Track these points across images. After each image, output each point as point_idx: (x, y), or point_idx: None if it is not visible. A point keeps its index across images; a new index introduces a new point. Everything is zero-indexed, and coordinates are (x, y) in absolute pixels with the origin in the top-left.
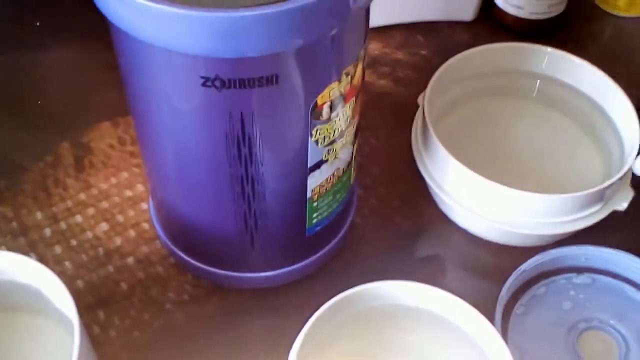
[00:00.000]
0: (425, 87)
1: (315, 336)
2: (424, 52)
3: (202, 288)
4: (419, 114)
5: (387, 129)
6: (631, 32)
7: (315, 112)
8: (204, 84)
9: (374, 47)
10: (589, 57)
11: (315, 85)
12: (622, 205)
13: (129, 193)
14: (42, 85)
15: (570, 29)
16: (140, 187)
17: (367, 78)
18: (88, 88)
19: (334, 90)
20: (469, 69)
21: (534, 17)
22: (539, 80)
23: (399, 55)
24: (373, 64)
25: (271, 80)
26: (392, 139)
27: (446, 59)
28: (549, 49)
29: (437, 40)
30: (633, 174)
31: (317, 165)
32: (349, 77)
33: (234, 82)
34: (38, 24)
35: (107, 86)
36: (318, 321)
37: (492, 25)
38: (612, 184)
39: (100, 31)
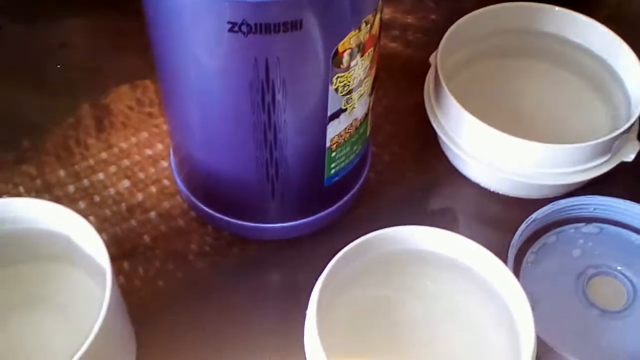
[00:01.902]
0: (434, 49)
1: (335, 279)
2: (433, 16)
3: (222, 240)
4: (431, 72)
5: (398, 89)
6: None
7: (336, 59)
8: (230, 30)
9: (385, 12)
10: (597, 18)
11: (336, 33)
12: (630, 157)
13: (149, 152)
14: (60, 51)
15: None
16: (159, 146)
17: None
18: (105, 54)
19: (354, 38)
20: (479, 28)
21: None
22: (547, 39)
23: (409, 19)
24: (384, 27)
25: (295, 25)
26: (404, 99)
27: None
28: (557, 8)
29: (447, 5)
30: None
31: (337, 114)
32: (369, 26)
33: (260, 27)
34: None
35: (123, 51)
36: (338, 264)
37: None
38: (619, 136)
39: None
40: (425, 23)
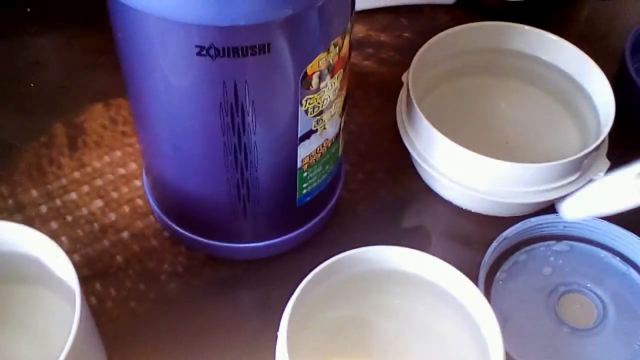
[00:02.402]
0: (408, 67)
1: (305, 301)
2: (407, 34)
3: (195, 260)
4: (403, 90)
5: (372, 107)
6: (607, 14)
7: (305, 81)
8: (199, 53)
9: (359, 30)
10: (566, 38)
11: (305, 55)
12: (599, 175)
13: (122, 171)
14: (34, 69)
15: (550, 10)
16: (133, 165)
17: (352, 59)
18: (80, 71)
19: (322, 60)
20: (451, 47)
21: None
22: (518, 58)
23: (383, 37)
24: (358, 45)
25: (263, 49)
26: (377, 117)
27: None
28: (528, 28)
29: (420, 23)
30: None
31: (307, 135)
32: (337, 48)
33: (228, 50)
34: (29, 9)
35: (98, 69)
36: (309, 285)
37: (473, 8)
38: (588, 154)
39: (91, 16)
40: (399, 41)
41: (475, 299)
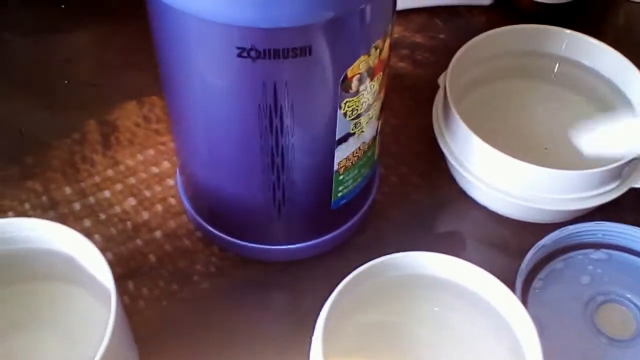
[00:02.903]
0: (443, 69)
1: (340, 306)
2: (442, 35)
3: (228, 260)
4: (439, 93)
5: (406, 109)
6: None
7: (345, 84)
8: (239, 55)
9: (394, 31)
10: (604, 41)
11: (345, 58)
12: (639, 183)
13: (155, 170)
14: (68, 66)
15: (586, 13)
16: (166, 164)
17: None
18: (113, 69)
19: (363, 63)
20: (489, 49)
21: (549, 1)
22: (557, 62)
23: (418, 38)
24: (393, 46)
25: (304, 51)
26: (411, 120)
27: (464, 43)
28: (568, 31)
29: (455, 25)
30: None
31: (345, 138)
32: (378, 50)
33: (269, 52)
34: (63, 6)
35: (131, 67)
36: (343, 291)
37: (509, 10)
38: (629, 162)
39: (125, 13)
40: (434, 42)
41: (512, 307)
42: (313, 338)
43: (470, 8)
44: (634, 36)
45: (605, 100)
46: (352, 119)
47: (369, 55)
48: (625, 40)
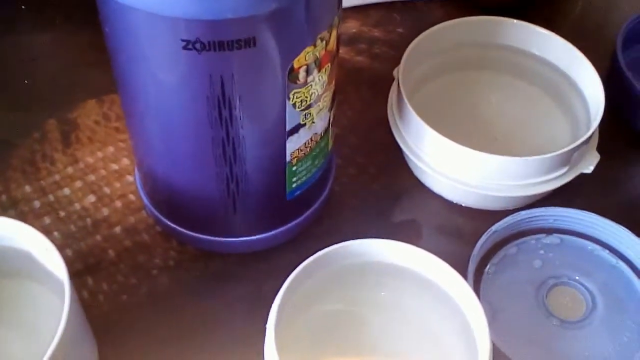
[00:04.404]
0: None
1: (294, 294)
2: (400, 29)
3: (186, 254)
4: (394, 85)
5: (364, 102)
6: (599, 8)
7: (292, 75)
8: (185, 47)
9: (352, 26)
10: (558, 32)
11: (291, 49)
12: (589, 168)
13: (114, 166)
14: (28, 65)
15: (541, 4)
16: (125, 161)
17: (345, 55)
18: (73, 68)
19: (309, 54)
20: (441, 42)
21: None
22: (509, 53)
23: (376, 33)
24: (351, 41)
25: (249, 42)
26: (369, 112)
27: None
28: (517, 22)
29: (413, 18)
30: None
31: (295, 129)
32: (324, 42)
33: (214, 44)
34: (23, 7)
35: (91, 66)
36: (297, 279)
37: (465, 3)
38: (577, 147)
39: (85, 13)
40: (392, 36)
41: (463, 292)
42: (267, 326)
43: (427, 2)
44: (590, 27)
45: (557, 88)
46: (302, 110)
47: (315, 47)
48: (583, 30)
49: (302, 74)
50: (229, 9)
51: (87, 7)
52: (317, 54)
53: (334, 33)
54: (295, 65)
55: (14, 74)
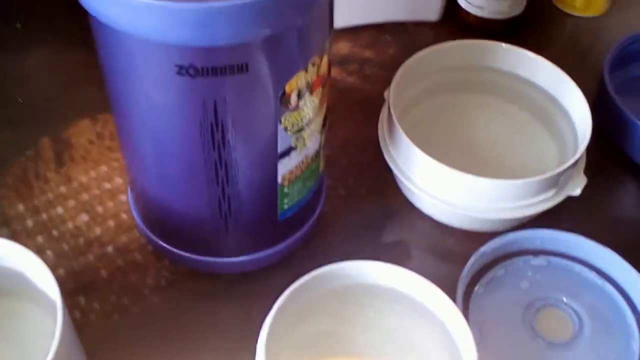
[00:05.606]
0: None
1: (284, 315)
2: (391, 51)
3: (178, 274)
4: (385, 107)
5: (355, 122)
6: (587, 32)
7: (284, 99)
8: (178, 72)
9: (344, 47)
10: (547, 55)
11: (282, 74)
12: (576, 191)
13: (107, 186)
14: (22, 84)
15: (531, 28)
16: (118, 180)
17: (336, 75)
18: (68, 87)
19: (301, 79)
20: (431, 64)
21: (494, 16)
22: (498, 75)
23: (367, 53)
24: (342, 62)
25: (241, 68)
26: (360, 132)
27: None
28: (507, 46)
29: (403, 40)
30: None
31: (287, 152)
32: (315, 67)
33: (207, 70)
34: (19, 25)
35: (86, 85)
36: (286, 300)
37: (456, 25)
38: (565, 170)
39: (79, 31)
40: (383, 57)
41: (451, 314)
42: (257, 347)
43: (418, 24)
44: (578, 51)
45: (544, 111)
46: (294, 133)
47: (307, 72)
48: (571, 53)
49: (293, 98)
50: (223, 36)
51: (81, 25)
52: (309, 79)
53: (325, 58)
54: (287, 90)
55: (8, 92)
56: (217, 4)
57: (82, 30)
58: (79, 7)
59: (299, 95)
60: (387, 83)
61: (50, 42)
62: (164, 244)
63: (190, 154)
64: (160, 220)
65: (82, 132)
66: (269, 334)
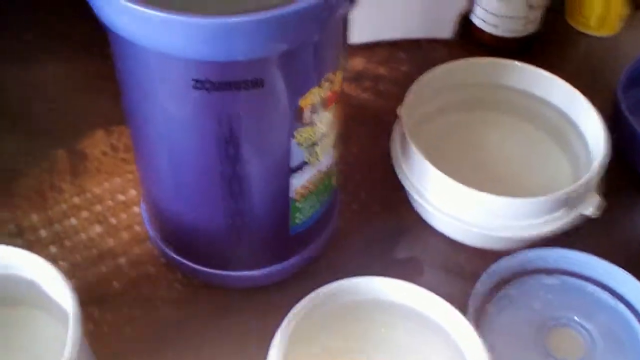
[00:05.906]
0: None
1: (295, 329)
2: (404, 68)
3: (191, 286)
4: (398, 123)
5: (368, 138)
6: (601, 51)
7: (298, 114)
8: (195, 86)
9: (358, 63)
10: (561, 73)
11: (297, 90)
12: (589, 210)
13: (121, 197)
14: (37, 95)
15: (545, 46)
16: (132, 192)
17: (350, 91)
18: (82, 98)
19: (315, 94)
20: (444, 81)
21: (509, 35)
22: (512, 94)
23: (382, 70)
24: (357, 78)
25: (257, 83)
26: (373, 148)
27: None
28: (521, 64)
29: (417, 57)
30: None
31: (300, 167)
32: (330, 83)
33: (223, 84)
34: (32, 35)
35: (100, 96)
36: (298, 314)
37: (470, 43)
38: (578, 189)
39: (93, 42)
40: (397, 74)
41: (464, 331)
42: None
43: (432, 41)
44: (592, 69)
45: (558, 130)
46: (307, 148)
47: (321, 87)
48: (584, 72)
49: (307, 114)
50: (240, 51)
51: (96, 37)
52: (323, 95)
53: (339, 74)
54: (302, 105)
55: (22, 104)
56: (234, 19)
57: (98, 42)
58: (95, 19)
59: (313, 111)
60: (401, 99)
61: (65, 54)
62: (177, 257)
63: (204, 167)
64: (173, 232)
65: (97, 143)
66: (280, 349)
